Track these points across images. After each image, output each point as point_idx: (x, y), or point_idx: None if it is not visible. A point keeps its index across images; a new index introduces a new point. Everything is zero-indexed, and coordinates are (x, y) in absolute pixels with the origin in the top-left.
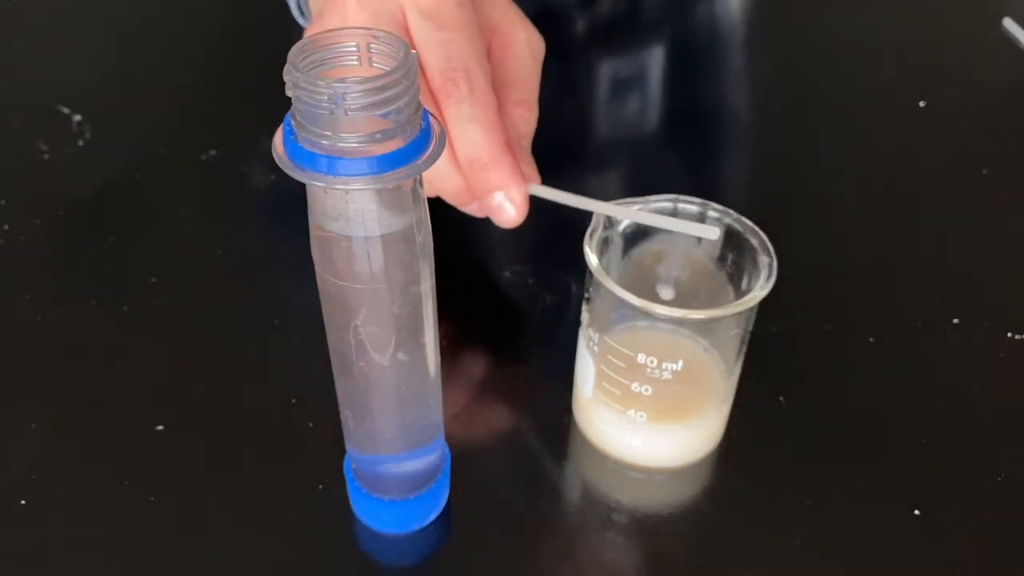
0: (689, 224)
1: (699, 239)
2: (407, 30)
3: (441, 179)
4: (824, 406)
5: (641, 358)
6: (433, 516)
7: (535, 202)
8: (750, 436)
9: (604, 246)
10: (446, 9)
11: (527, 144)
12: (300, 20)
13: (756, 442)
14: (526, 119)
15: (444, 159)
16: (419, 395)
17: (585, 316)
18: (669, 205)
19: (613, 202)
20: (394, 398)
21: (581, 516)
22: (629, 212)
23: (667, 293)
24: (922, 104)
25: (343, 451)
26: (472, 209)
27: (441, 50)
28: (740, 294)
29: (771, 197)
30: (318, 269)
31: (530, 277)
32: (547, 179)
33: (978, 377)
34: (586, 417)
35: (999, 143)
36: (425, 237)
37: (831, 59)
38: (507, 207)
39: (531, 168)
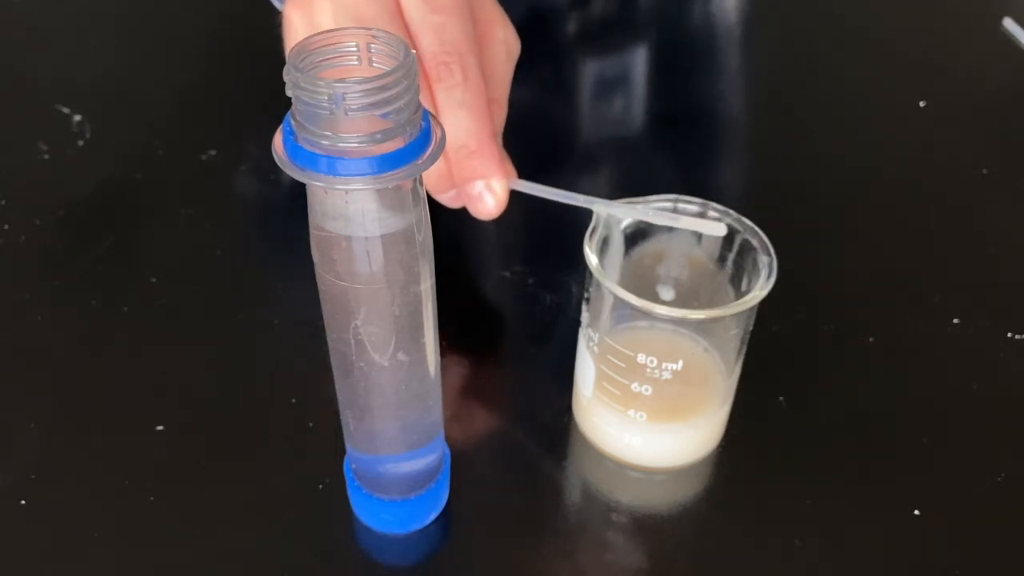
0: (686, 219)
1: (699, 238)
2: (400, 10)
3: None
4: (824, 406)
5: (641, 358)
6: (433, 516)
7: (536, 203)
8: (750, 436)
9: (604, 246)
10: None
11: (498, 140)
12: (277, 4)
13: (756, 442)
14: (497, 115)
15: None
16: (419, 395)
17: (585, 316)
18: (670, 205)
19: (605, 200)
20: (394, 398)
21: (581, 516)
22: (612, 206)
23: (667, 293)
24: (922, 104)
25: (343, 451)
26: (447, 198)
27: (435, 33)
28: (740, 294)
29: (771, 197)
30: (318, 269)
31: (530, 277)
32: (545, 180)
33: (978, 377)
34: (586, 417)
35: (999, 143)
36: (425, 237)
37: (831, 59)
38: (487, 197)
39: (508, 163)
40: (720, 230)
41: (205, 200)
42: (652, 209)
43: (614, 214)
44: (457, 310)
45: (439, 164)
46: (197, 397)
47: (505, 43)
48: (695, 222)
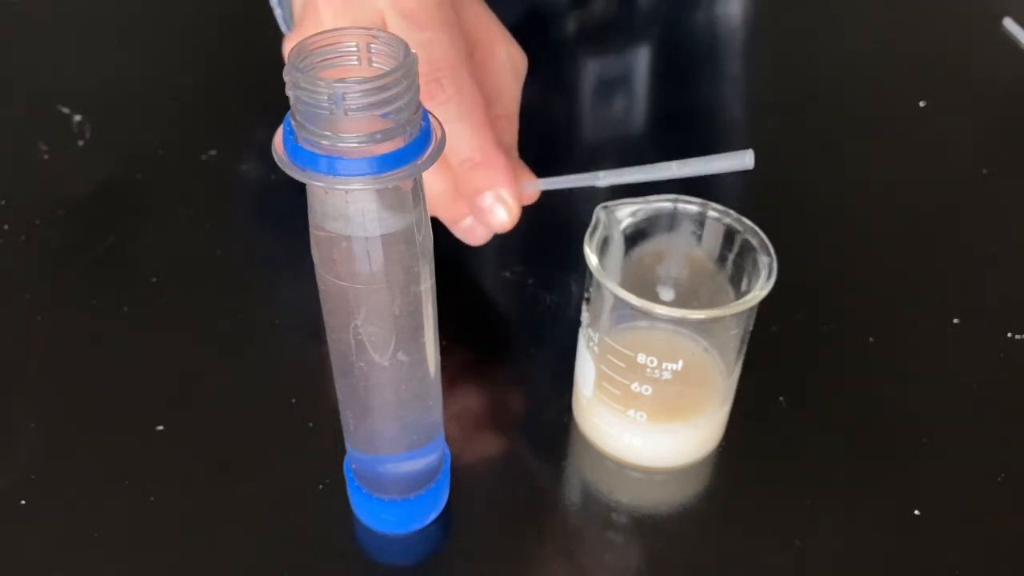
0: (712, 161)
1: (699, 238)
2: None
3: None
4: (824, 406)
5: (641, 358)
6: (433, 516)
7: (536, 204)
8: (750, 436)
9: (604, 246)
10: (427, 9)
11: (514, 153)
12: (285, 31)
13: (756, 442)
14: (508, 130)
15: None
16: (419, 395)
17: (585, 316)
18: (669, 205)
19: (610, 172)
20: (394, 398)
21: (581, 516)
22: (636, 174)
23: (667, 293)
24: (922, 104)
25: (343, 451)
26: (464, 229)
27: (422, 51)
28: (740, 294)
29: (771, 197)
30: (318, 269)
31: (530, 277)
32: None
33: (978, 377)
34: (586, 417)
35: (999, 143)
36: (425, 237)
37: (831, 59)
38: (498, 209)
39: (525, 170)
40: (749, 159)
41: (205, 200)
42: (674, 164)
43: (628, 181)
44: (457, 310)
45: (440, 182)
46: (197, 397)
47: (509, 59)
48: (718, 162)
